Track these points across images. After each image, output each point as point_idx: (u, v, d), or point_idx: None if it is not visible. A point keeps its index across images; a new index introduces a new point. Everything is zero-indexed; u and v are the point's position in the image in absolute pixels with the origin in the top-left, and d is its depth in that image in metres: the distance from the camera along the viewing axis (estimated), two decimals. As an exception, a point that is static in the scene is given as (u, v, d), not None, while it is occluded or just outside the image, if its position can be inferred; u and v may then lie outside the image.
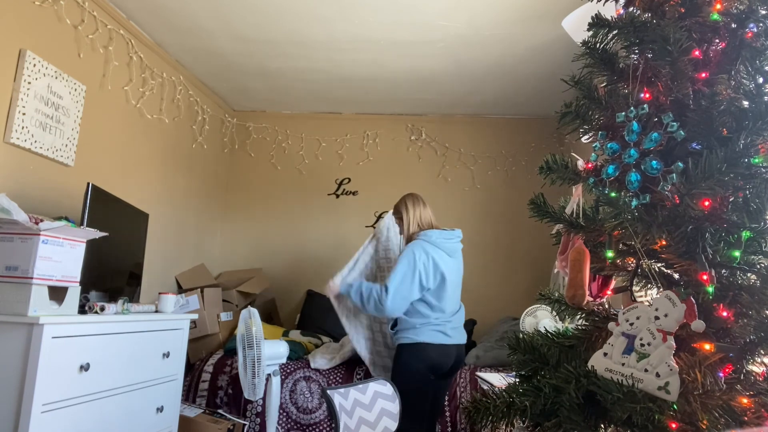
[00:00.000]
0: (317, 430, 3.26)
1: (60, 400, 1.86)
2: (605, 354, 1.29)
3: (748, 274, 1.29)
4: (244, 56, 3.72)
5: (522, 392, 1.37)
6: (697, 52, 1.34)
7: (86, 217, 2.34)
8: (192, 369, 3.47)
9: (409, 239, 2.73)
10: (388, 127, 4.71)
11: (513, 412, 1.37)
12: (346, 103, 4.53)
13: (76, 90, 2.84)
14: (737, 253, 1.24)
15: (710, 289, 1.23)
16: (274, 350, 2.67)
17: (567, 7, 2.79)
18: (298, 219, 4.69)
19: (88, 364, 1.97)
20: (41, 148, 2.63)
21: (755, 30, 1.32)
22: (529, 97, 4.17)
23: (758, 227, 1.22)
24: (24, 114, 2.51)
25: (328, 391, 1.86)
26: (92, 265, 2.34)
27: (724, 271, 1.31)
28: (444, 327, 2.62)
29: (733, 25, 1.36)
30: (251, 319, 2.66)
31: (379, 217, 4.63)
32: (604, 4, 1.56)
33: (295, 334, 3.83)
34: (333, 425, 1.84)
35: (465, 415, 1.47)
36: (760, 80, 1.33)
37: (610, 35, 1.50)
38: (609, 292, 1.53)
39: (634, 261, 1.45)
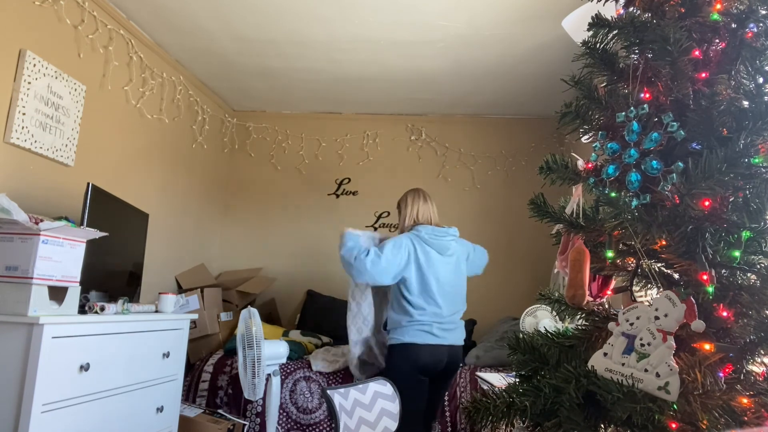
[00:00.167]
0: (317, 430, 3.26)
1: (60, 400, 1.86)
2: (605, 354, 1.29)
3: (748, 274, 1.29)
4: (244, 56, 3.72)
5: (522, 392, 1.37)
6: (697, 52, 1.34)
7: (86, 217, 2.34)
8: (192, 369, 3.47)
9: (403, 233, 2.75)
10: (388, 127, 4.71)
11: (513, 412, 1.37)
12: (346, 103, 4.53)
13: (76, 90, 2.84)
14: (737, 253, 1.24)
15: (710, 289, 1.23)
16: (274, 350, 2.67)
17: (567, 7, 2.79)
18: (298, 219, 4.69)
19: (88, 364, 1.97)
20: (41, 148, 2.63)
21: (755, 30, 1.32)
22: (529, 97, 4.17)
23: (758, 227, 1.22)
24: (24, 114, 2.51)
25: (328, 391, 1.87)
26: (92, 265, 2.34)
27: (724, 271, 1.31)
28: (431, 327, 2.57)
29: (733, 25, 1.36)
30: (251, 319, 2.66)
31: (380, 217, 4.63)
32: (604, 4, 1.56)
33: (295, 334, 3.83)
34: (333, 425, 1.84)
35: (465, 415, 1.47)
36: (760, 80, 1.33)
37: (610, 35, 1.50)
38: (609, 292, 1.53)
39: (634, 261, 1.45)
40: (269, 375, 2.71)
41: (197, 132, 4.23)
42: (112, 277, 2.63)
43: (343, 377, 3.34)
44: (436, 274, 2.62)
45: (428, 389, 2.64)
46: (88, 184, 2.39)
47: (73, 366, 1.93)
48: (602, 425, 1.27)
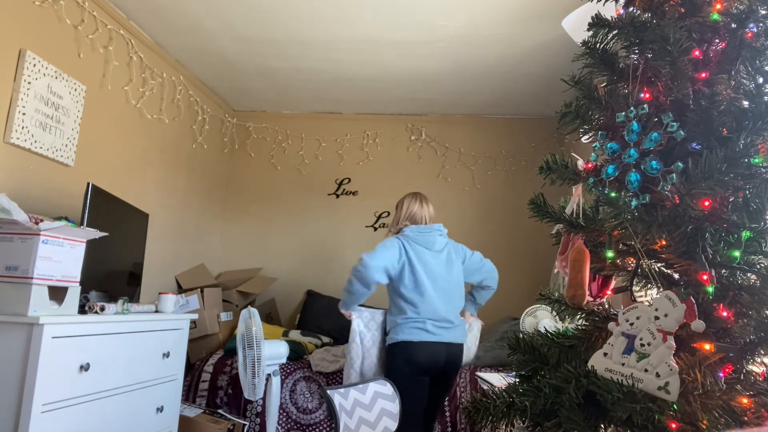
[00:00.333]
0: (317, 430, 3.26)
1: (60, 400, 1.86)
2: (605, 354, 1.29)
3: (748, 274, 1.29)
4: (244, 56, 3.72)
5: (522, 392, 1.37)
6: (697, 52, 1.34)
7: (86, 217, 2.34)
8: (192, 369, 3.47)
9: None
10: (388, 127, 4.71)
11: (513, 412, 1.37)
12: (346, 103, 4.53)
13: (76, 90, 2.84)
14: (737, 253, 1.24)
15: (710, 289, 1.23)
16: (274, 350, 2.67)
17: (567, 7, 2.79)
18: (298, 219, 4.69)
19: (88, 364, 1.97)
20: (41, 148, 2.63)
21: (755, 30, 1.32)
22: (529, 97, 4.17)
23: (758, 227, 1.22)
24: (24, 114, 2.51)
25: (328, 391, 1.86)
26: (92, 265, 2.34)
27: (724, 271, 1.31)
28: (425, 324, 2.56)
29: (733, 25, 1.36)
30: (251, 319, 2.66)
31: (379, 217, 4.63)
32: (604, 4, 1.56)
33: (295, 334, 3.83)
34: (333, 425, 1.84)
35: (465, 415, 1.47)
36: (760, 80, 1.33)
37: (610, 35, 1.50)
38: (609, 292, 1.53)
39: (634, 261, 1.45)
40: (269, 375, 2.71)
41: (197, 132, 4.23)
42: (112, 277, 2.63)
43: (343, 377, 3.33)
44: (428, 270, 2.62)
45: (429, 389, 2.63)
46: (88, 184, 2.39)
47: (73, 366, 1.93)
48: (602, 425, 1.27)
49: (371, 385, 2.05)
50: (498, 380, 2.63)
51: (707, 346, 1.20)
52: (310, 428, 3.26)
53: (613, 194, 1.39)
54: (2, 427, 1.73)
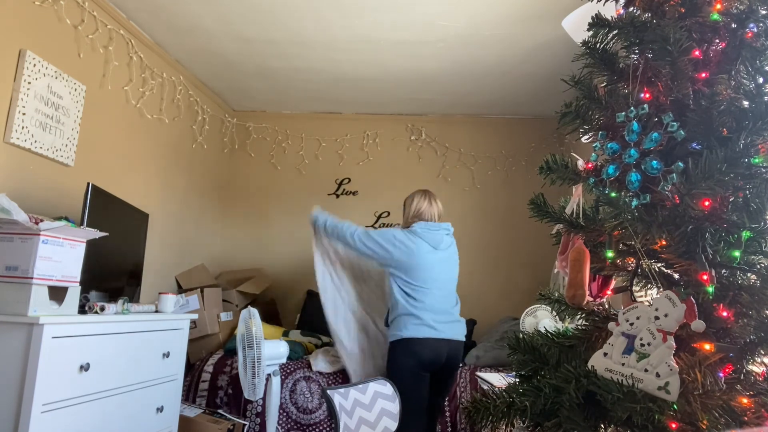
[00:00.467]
0: (317, 430, 3.25)
1: (60, 400, 1.86)
2: (605, 354, 1.29)
3: (748, 274, 1.29)
4: (244, 56, 3.71)
5: (522, 392, 1.37)
6: (697, 52, 1.34)
7: (86, 217, 2.34)
8: (192, 369, 3.47)
9: None
10: (388, 127, 4.71)
11: (513, 412, 1.37)
12: (346, 103, 4.53)
13: (76, 90, 2.84)
14: (737, 253, 1.24)
15: (710, 289, 1.23)
16: (274, 350, 2.67)
17: (567, 7, 2.79)
18: (298, 219, 4.69)
19: (88, 364, 1.97)
20: (41, 148, 2.63)
21: (755, 30, 1.32)
22: (529, 97, 4.17)
23: (758, 227, 1.22)
24: (24, 114, 2.51)
25: (328, 391, 1.87)
26: (92, 265, 2.34)
27: (724, 271, 1.31)
28: (429, 321, 2.59)
29: (733, 25, 1.36)
30: (251, 319, 2.66)
31: (380, 217, 4.63)
32: (604, 4, 1.56)
33: (295, 334, 3.83)
34: (333, 425, 1.84)
35: (465, 415, 1.47)
36: (760, 80, 1.33)
37: (610, 35, 1.50)
38: (609, 292, 1.53)
39: (634, 261, 1.45)
40: (269, 375, 2.71)
41: (197, 132, 4.23)
42: (112, 277, 2.63)
43: (343, 377, 3.34)
44: (431, 267, 2.64)
45: (429, 386, 2.64)
46: (88, 184, 2.39)
47: (73, 366, 1.92)
48: (602, 425, 1.27)
49: (371, 385, 2.05)
50: (498, 380, 2.63)
51: (707, 346, 1.20)
52: (310, 428, 3.26)
53: (613, 194, 1.39)
54: (2, 427, 1.73)
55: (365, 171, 4.69)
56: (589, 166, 1.47)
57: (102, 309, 2.15)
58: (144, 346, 2.36)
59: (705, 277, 1.23)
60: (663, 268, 1.41)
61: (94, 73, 3.05)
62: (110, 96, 3.19)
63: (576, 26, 2.29)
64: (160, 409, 2.48)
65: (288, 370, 3.33)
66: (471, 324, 4.05)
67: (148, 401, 2.40)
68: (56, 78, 2.70)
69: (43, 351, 1.77)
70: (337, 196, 4.69)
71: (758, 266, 1.27)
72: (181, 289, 3.91)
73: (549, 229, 1.71)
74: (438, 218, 2.81)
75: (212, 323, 3.65)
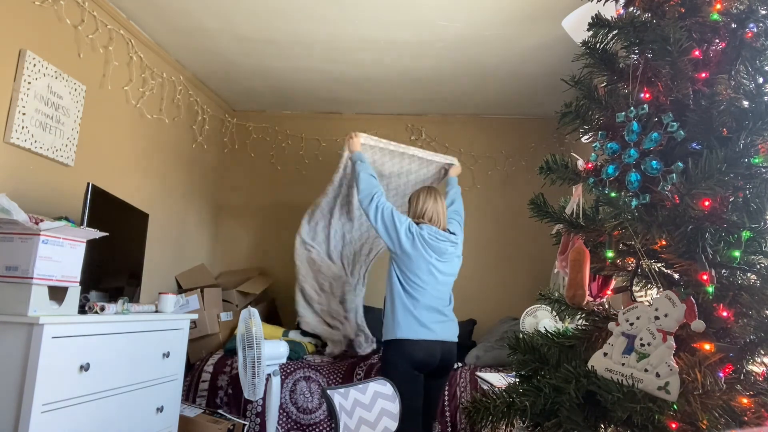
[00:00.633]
0: (317, 430, 3.26)
1: (60, 400, 1.86)
2: (605, 354, 1.29)
3: (748, 274, 1.29)
4: (244, 56, 3.71)
5: (522, 392, 1.37)
6: (697, 52, 1.34)
7: (86, 217, 2.34)
8: (192, 369, 3.47)
9: None
10: (388, 127, 4.71)
11: (513, 412, 1.37)
12: (346, 103, 4.53)
13: (76, 90, 2.84)
14: (737, 253, 1.24)
15: (710, 289, 1.23)
16: (274, 350, 2.67)
17: (567, 7, 2.78)
18: (298, 219, 4.67)
19: (88, 364, 1.97)
20: (41, 148, 2.63)
21: (755, 30, 1.32)
22: (529, 97, 4.17)
23: (758, 227, 1.22)
24: (24, 114, 2.51)
25: (328, 391, 1.87)
26: (92, 265, 2.34)
27: (724, 271, 1.31)
28: (423, 321, 2.60)
29: (733, 25, 1.36)
30: (251, 319, 2.66)
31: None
32: (604, 4, 1.56)
33: (295, 334, 3.83)
34: (333, 425, 1.84)
35: (465, 415, 1.47)
36: (760, 80, 1.33)
37: (610, 35, 1.50)
38: (609, 292, 1.53)
39: (634, 261, 1.45)
40: (269, 375, 2.71)
41: (197, 132, 4.23)
42: (112, 277, 2.63)
43: (343, 376, 3.34)
44: (431, 269, 2.65)
45: (424, 386, 2.65)
46: (88, 184, 2.39)
47: (73, 366, 1.92)
48: (602, 425, 1.27)
49: (371, 385, 2.05)
50: (498, 380, 2.63)
51: (707, 346, 1.20)
52: (310, 428, 3.26)
53: (613, 194, 1.39)
54: (2, 427, 1.73)
55: (365, 171, 4.68)
56: (589, 166, 1.47)
57: (102, 309, 2.15)
58: (144, 346, 2.36)
59: (705, 277, 1.23)
60: (663, 268, 1.41)
61: (94, 73, 3.05)
62: (110, 96, 3.19)
63: (576, 26, 2.29)
64: (160, 409, 2.48)
65: (288, 370, 3.33)
66: (471, 324, 4.06)
67: (148, 401, 2.40)
68: (56, 78, 2.70)
69: (43, 351, 1.77)
70: (337, 196, 4.68)
71: (758, 266, 1.27)
72: (181, 289, 3.91)
73: (549, 229, 1.71)
74: (443, 215, 2.81)
75: (212, 323, 3.65)
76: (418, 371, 2.59)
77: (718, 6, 1.35)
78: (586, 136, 1.57)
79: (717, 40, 1.38)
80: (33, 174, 2.64)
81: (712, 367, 1.19)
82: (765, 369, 1.24)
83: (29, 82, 2.53)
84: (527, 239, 4.42)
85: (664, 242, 1.34)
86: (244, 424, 3.14)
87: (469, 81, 3.92)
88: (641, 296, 1.48)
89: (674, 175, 1.25)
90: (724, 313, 1.25)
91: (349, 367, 3.40)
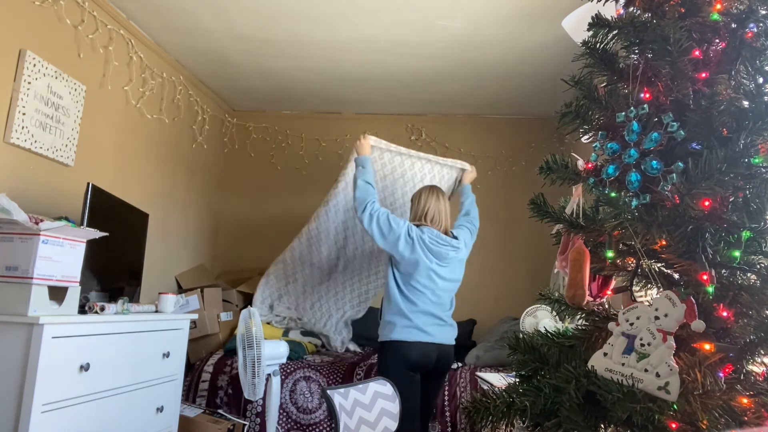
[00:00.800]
0: (317, 430, 3.26)
1: (60, 400, 1.86)
2: (605, 354, 1.29)
3: (748, 274, 1.29)
4: (244, 56, 3.71)
5: (522, 392, 1.37)
6: (697, 52, 1.34)
7: (86, 217, 2.34)
8: (192, 369, 3.47)
9: None
10: (388, 127, 4.71)
11: (513, 412, 1.37)
12: (346, 103, 4.53)
13: (76, 90, 2.84)
14: (737, 253, 1.24)
15: (710, 289, 1.23)
16: (274, 350, 2.67)
17: (567, 7, 2.78)
18: (298, 219, 4.68)
19: (88, 364, 1.97)
20: (41, 148, 2.63)
21: (755, 30, 1.32)
22: (529, 97, 4.17)
23: (758, 227, 1.22)
24: (24, 114, 2.51)
25: (328, 391, 1.86)
26: (92, 265, 2.34)
27: (724, 271, 1.31)
28: (419, 323, 2.57)
29: (733, 25, 1.36)
30: (251, 319, 2.66)
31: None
32: (604, 4, 1.56)
33: (295, 334, 3.82)
34: (333, 425, 1.84)
35: (465, 415, 1.47)
36: (760, 80, 1.33)
37: (610, 35, 1.50)
38: (609, 292, 1.53)
39: (634, 261, 1.45)
40: (269, 375, 2.71)
41: (197, 132, 4.23)
42: (112, 278, 2.63)
43: (343, 376, 3.34)
44: (431, 274, 2.63)
45: (421, 387, 2.64)
46: (88, 184, 2.39)
47: (73, 366, 1.92)
48: (602, 425, 1.27)
49: (371, 385, 2.05)
50: (498, 380, 2.63)
51: (707, 346, 1.20)
52: (310, 428, 3.26)
53: (613, 194, 1.39)
54: (2, 427, 1.73)
55: (365, 171, 4.68)
56: (589, 166, 1.47)
57: (102, 309, 2.15)
58: (144, 346, 2.36)
59: (705, 277, 1.23)
60: (663, 268, 1.41)
61: (94, 73, 3.05)
62: (110, 96, 3.19)
63: (576, 26, 2.29)
64: (160, 409, 2.48)
65: (288, 370, 3.33)
66: (471, 324, 4.06)
67: (148, 401, 2.40)
68: (56, 78, 2.70)
69: (43, 351, 1.77)
70: (337, 196, 4.68)
71: (758, 266, 1.27)
72: (181, 289, 3.91)
73: (549, 229, 1.71)
74: (445, 215, 2.79)
75: (212, 323, 3.65)
76: (413, 372, 2.59)
77: (718, 6, 1.35)
78: (586, 136, 1.57)
79: (717, 40, 1.38)
80: (33, 174, 2.64)
81: (712, 367, 1.19)
82: (765, 369, 1.24)
83: (29, 82, 2.53)
84: (527, 239, 4.42)
85: (664, 242, 1.34)
86: (244, 424, 3.14)
87: (469, 81, 3.92)
88: (641, 296, 1.48)
89: (674, 175, 1.25)
90: (724, 313, 1.25)
91: (349, 367, 3.40)
